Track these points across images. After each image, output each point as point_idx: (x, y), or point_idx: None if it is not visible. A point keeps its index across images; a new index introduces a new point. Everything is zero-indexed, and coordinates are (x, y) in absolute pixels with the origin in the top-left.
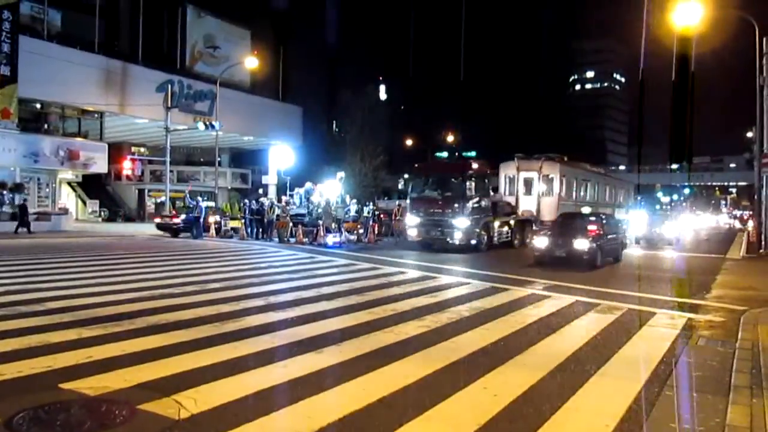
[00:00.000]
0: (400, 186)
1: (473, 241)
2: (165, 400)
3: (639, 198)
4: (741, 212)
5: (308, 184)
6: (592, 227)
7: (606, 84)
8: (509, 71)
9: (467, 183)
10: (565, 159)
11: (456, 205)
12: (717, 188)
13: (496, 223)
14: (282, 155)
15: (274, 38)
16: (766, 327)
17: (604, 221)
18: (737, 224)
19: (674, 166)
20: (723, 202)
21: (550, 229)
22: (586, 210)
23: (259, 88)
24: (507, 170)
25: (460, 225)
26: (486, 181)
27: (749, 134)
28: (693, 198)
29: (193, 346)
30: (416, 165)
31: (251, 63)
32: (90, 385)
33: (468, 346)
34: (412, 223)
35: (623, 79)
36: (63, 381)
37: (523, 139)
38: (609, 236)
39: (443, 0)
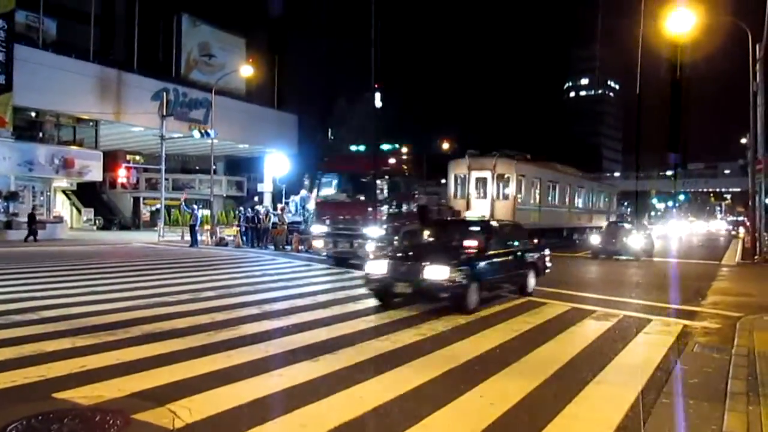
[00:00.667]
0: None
1: None
2: (159, 410)
3: (624, 204)
4: (743, 218)
5: (304, 192)
6: (470, 242)
7: (600, 91)
8: (505, 78)
9: (381, 183)
10: (528, 157)
11: (368, 211)
12: (712, 194)
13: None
14: (277, 163)
15: (269, 46)
16: (762, 333)
17: (495, 232)
18: (741, 230)
19: (669, 173)
20: (718, 208)
21: (401, 244)
22: (558, 216)
23: (254, 96)
24: (457, 169)
25: (373, 235)
26: (409, 180)
27: (743, 140)
28: (688, 204)
29: (188, 355)
30: (325, 159)
31: (246, 71)
32: (84, 395)
33: (464, 354)
34: (318, 232)
35: (617, 86)
36: (57, 390)
37: (520, 145)
38: (499, 259)
39: (440, 8)
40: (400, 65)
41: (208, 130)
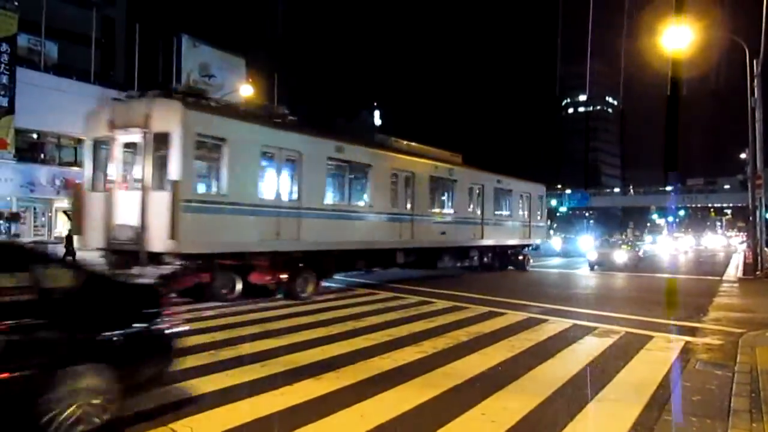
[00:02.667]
0: None
1: None
2: (161, 429)
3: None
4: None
5: None
6: None
7: (598, 107)
8: (503, 96)
9: None
10: (247, 107)
11: None
12: (712, 209)
13: None
14: None
15: (268, 66)
16: (764, 350)
17: None
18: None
19: (668, 188)
20: (718, 223)
21: None
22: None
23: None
24: (95, 129)
25: None
26: None
27: (743, 155)
28: (688, 220)
29: (189, 374)
30: None
31: (246, 91)
32: None
33: (465, 372)
34: None
35: (615, 102)
36: None
37: (520, 162)
38: None
39: (437, 28)
40: (400, 84)
41: None
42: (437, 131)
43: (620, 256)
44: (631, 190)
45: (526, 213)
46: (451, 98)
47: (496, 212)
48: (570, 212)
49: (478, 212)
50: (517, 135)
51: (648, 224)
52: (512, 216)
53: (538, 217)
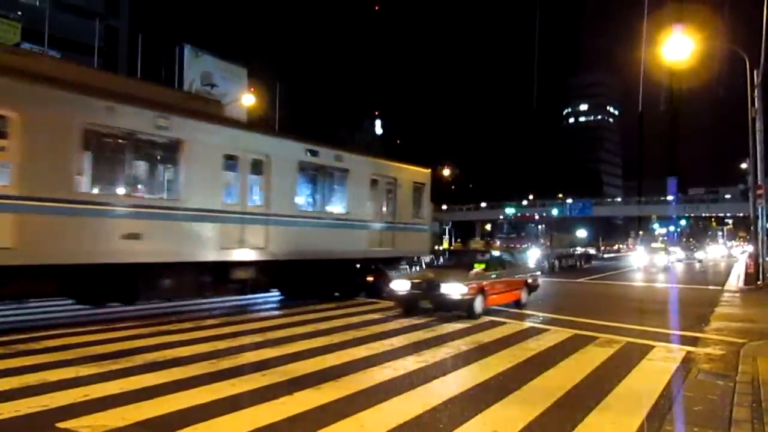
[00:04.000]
0: None
1: None
2: None
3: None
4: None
5: None
6: None
7: (600, 117)
8: (504, 105)
9: None
10: None
11: None
12: (713, 219)
13: None
14: None
15: (270, 75)
16: (765, 360)
17: None
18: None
19: (669, 198)
20: (720, 233)
21: None
22: None
23: (255, 125)
24: None
25: None
26: None
27: (743, 165)
28: (689, 229)
29: (191, 384)
30: None
31: (248, 100)
32: (87, 424)
33: (466, 381)
34: None
35: (617, 112)
36: (60, 420)
37: (521, 172)
38: None
39: (438, 36)
40: (401, 92)
41: None
42: (441, 141)
43: (454, 289)
44: (620, 199)
45: (384, 209)
46: (454, 108)
47: (305, 204)
48: (516, 216)
49: (258, 201)
50: (520, 144)
51: (641, 232)
52: (350, 212)
53: (416, 217)
